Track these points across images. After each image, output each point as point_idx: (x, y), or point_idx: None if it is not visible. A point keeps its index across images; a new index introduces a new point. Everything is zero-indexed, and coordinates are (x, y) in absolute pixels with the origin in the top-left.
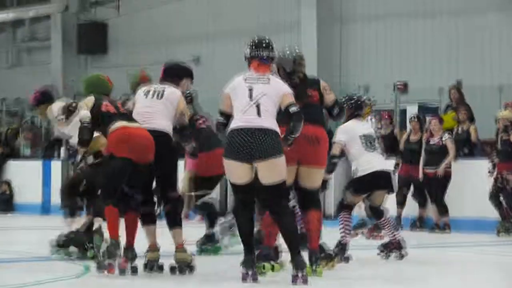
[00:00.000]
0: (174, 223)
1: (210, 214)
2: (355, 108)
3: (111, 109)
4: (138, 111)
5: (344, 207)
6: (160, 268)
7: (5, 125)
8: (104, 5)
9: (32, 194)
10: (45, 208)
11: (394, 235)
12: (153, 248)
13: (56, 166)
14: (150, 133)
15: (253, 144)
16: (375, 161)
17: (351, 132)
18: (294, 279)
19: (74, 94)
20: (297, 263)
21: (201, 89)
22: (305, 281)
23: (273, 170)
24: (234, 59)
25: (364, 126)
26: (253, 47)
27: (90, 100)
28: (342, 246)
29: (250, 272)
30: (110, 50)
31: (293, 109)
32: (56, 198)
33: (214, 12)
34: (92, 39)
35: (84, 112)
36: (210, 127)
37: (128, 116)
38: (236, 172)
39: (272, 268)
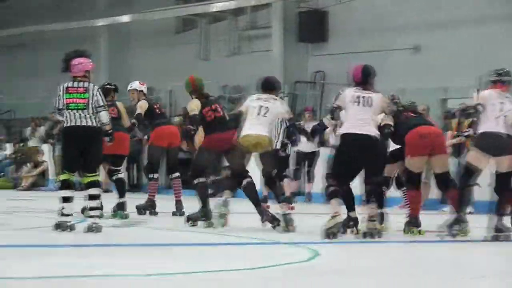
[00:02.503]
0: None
1: None
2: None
3: None
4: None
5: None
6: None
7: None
8: None
9: None
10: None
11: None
12: (336, 214)
13: None
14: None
15: (502, 144)
16: None
17: None
18: None
19: (295, 81)
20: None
21: (420, 79)
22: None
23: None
24: (454, 49)
25: None
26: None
27: None
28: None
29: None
30: (330, 38)
31: None
32: None
33: (434, 1)
34: (312, 27)
35: None
36: None
37: None
38: (481, 162)
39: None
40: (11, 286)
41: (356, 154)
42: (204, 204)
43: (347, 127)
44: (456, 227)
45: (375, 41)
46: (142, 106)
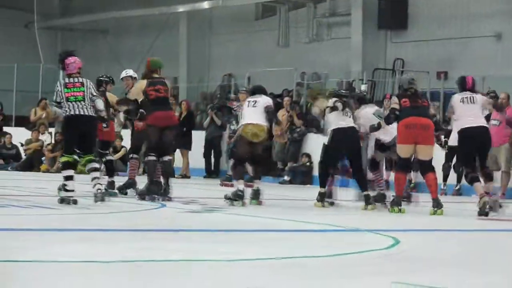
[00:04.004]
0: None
1: None
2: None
3: None
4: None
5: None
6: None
7: (304, 97)
8: None
9: None
10: (343, 181)
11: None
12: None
13: None
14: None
15: None
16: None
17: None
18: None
19: (374, 68)
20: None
21: (502, 66)
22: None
23: None
24: None
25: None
26: None
27: None
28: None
29: None
30: (410, 25)
31: None
32: None
33: None
34: (392, 14)
35: None
36: None
37: None
38: None
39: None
40: (97, 268)
41: (474, 143)
42: (151, 181)
43: (462, 124)
44: None
45: (456, 29)
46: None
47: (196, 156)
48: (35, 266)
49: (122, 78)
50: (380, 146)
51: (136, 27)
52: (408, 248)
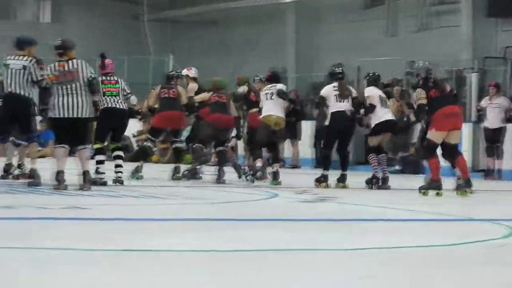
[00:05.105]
0: None
1: None
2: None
3: None
4: None
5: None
6: None
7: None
8: None
9: None
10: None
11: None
12: None
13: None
14: None
15: None
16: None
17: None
18: None
19: (484, 57)
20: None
21: None
22: None
23: None
24: None
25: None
26: None
27: None
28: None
29: None
30: None
31: None
32: None
33: None
34: (502, 1)
35: None
36: None
37: None
38: None
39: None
40: (209, 257)
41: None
42: (196, 164)
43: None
44: None
45: None
46: (192, 89)
47: (305, 146)
48: (146, 255)
49: (181, 76)
50: (376, 130)
51: (244, 18)
52: None
